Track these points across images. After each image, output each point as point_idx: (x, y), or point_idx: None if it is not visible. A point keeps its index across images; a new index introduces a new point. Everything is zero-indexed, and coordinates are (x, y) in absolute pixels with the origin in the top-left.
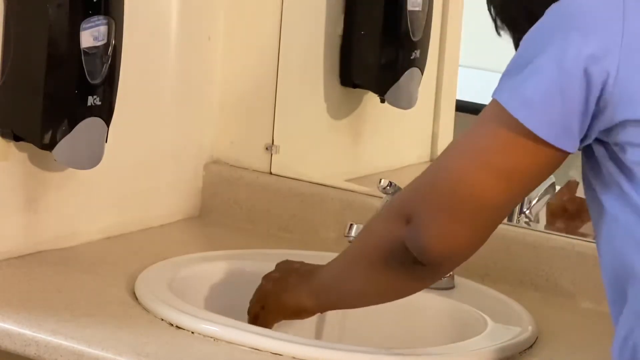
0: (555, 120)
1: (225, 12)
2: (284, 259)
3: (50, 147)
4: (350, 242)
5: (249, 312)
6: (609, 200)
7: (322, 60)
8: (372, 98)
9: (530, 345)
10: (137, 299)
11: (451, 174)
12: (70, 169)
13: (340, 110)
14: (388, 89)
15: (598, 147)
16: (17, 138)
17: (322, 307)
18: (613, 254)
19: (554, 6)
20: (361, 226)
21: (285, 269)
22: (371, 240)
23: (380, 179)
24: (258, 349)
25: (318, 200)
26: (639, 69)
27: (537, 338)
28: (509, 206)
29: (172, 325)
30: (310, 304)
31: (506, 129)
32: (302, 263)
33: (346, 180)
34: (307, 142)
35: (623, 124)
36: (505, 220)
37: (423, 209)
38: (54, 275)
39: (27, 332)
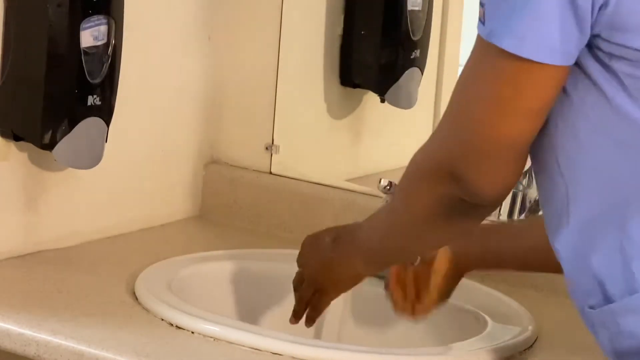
0: (571, 47)
1: (225, 12)
2: (284, 259)
3: (50, 147)
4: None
5: (300, 301)
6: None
7: (322, 60)
8: (372, 98)
9: (530, 345)
10: (137, 299)
11: (484, 127)
12: (70, 169)
13: (340, 110)
14: (388, 89)
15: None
16: (17, 138)
17: (376, 270)
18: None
19: None
20: None
21: (319, 246)
22: (419, 203)
23: (380, 179)
24: (258, 349)
25: (318, 200)
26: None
27: (537, 338)
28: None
29: (172, 325)
30: (363, 270)
31: (525, 72)
32: (328, 234)
33: (346, 180)
34: (307, 142)
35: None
36: (504, 220)
37: (468, 166)
38: (54, 275)
39: (27, 332)
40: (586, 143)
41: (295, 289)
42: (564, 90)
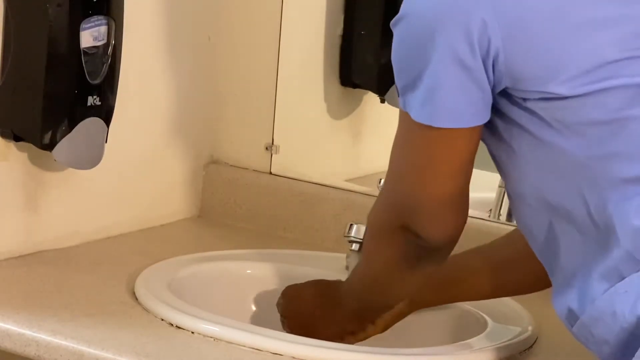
0: (478, 107)
1: (225, 12)
2: (284, 259)
3: (50, 147)
4: (350, 242)
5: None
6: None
7: (322, 60)
8: (372, 98)
9: (530, 345)
10: (137, 299)
11: (415, 189)
12: (70, 169)
13: (340, 110)
14: (388, 89)
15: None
16: (17, 138)
17: (362, 321)
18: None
19: (401, 26)
20: (362, 226)
21: (301, 299)
22: (381, 258)
23: (380, 179)
24: (258, 349)
25: (318, 200)
26: (520, 43)
27: (537, 338)
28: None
29: (172, 325)
30: (349, 323)
31: (440, 138)
32: (309, 287)
33: (346, 180)
34: (307, 142)
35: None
36: (504, 220)
37: (413, 220)
38: (54, 275)
39: (27, 332)
40: (536, 181)
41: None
42: (504, 141)
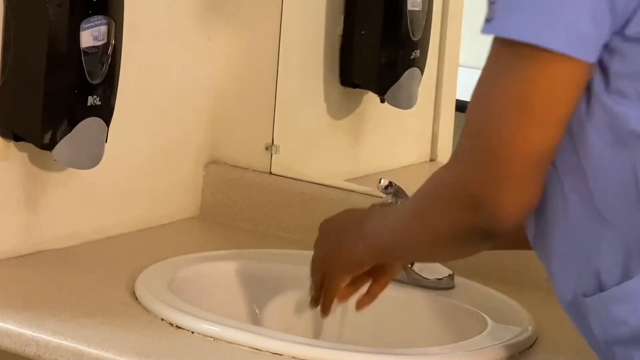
0: (601, 40)
1: (225, 12)
2: (283, 259)
3: (50, 147)
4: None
5: (315, 286)
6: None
7: (322, 60)
8: (372, 98)
9: (530, 345)
10: (137, 299)
11: (507, 139)
12: (70, 169)
13: (340, 110)
14: (388, 89)
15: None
16: (17, 138)
17: (375, 260)
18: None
19: None
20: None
21: (331, 229)
22: (432, 227)
23: (380, 179)
24: (258, 349)
25: (318, 200)
26: None
27: (537, 338)
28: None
29: (172, 325)
30: (363, 257)
31: (549, 68)
32: (341, 217)
33: (346, 180)
34: (307, 142)
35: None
36: None
37: (491, 187)
38: (54, 275)
39: (27, 332)
40: (585, 143)
41: (312, 274)
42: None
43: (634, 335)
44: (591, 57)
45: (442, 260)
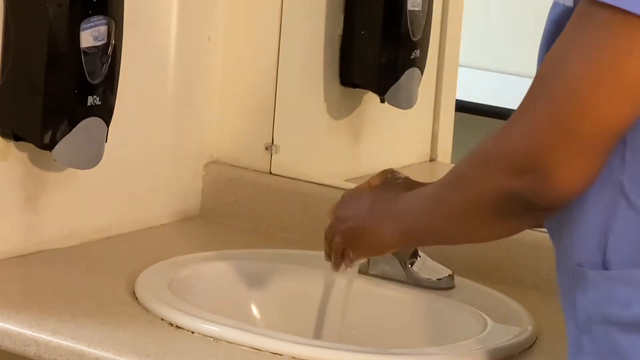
0: None
1: (225, 12)
2: (284, 259)
3: (50, 147)
4: None
5: (335, 253)
6: None
7: (322, 60)
8: (372, 98)
9: (530, 345)
10: (137, 299)
11: (586, 106)
12: (70, 169)
13: (340, 110)
14: (388, 89)
15: None
16: (17, 138)
17: (403, 245)
18: None
19: None
20: None
21: (358, 205)
22: (476, 195)
23: None
24: (258, 349)
25: (318, 200)
26: None
27: (537, 338)
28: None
29: (172, 325)
30: (390, 241)
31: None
32: (369, 193)
33: (346, 180)
34: (307, 142)
35: None
36: None
37: (554, 155)
38: (54, 275)
39: (27, 332)
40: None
41: (326, 238)
42: None
43: (635, 321)
44: None
45: (475, 240)
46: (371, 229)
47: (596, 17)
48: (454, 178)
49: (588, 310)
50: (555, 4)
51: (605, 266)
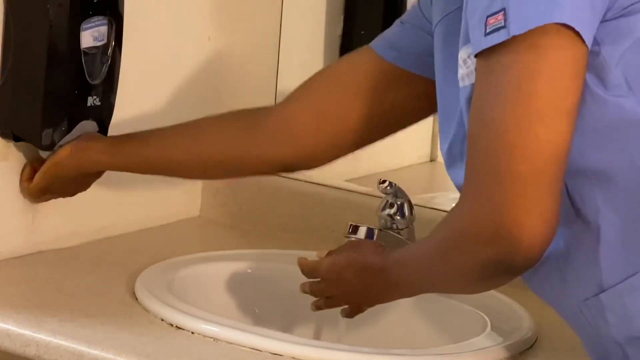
0: (593, 26)
1: (225, 12)
2: (284, 259)
3: (50, 147)
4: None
5: (331, 306)
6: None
7: (322, 60)
8: None
9: (530, 345)
10: (137, 299)
11: (523, 148)
12: None
13: None
14: None
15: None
16: (17, 138)
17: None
18: None
19: None
20: (363, 227)
21: (345, 278)
22: (455, 271)
23: (380, 179)
24: (258, 349)
25: (318, 200)
26: None
27: (537, 338)
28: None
29: (172, 325)
30: (401, 295)
31: (551, 57)
32: (348, 269)
33: (346, 180)
34: None
35: None
36: None
37: (509, 215)
38: (54, 275)
39: (27, 332)
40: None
41: (321, 308)
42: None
43: None
44: (589, 38)
45: (483, 291)
46: (379, 295)
47: (490, 65)
48: (434, 255)
49: (617, 335)
50: (462, 88)
51: (601, 289)
